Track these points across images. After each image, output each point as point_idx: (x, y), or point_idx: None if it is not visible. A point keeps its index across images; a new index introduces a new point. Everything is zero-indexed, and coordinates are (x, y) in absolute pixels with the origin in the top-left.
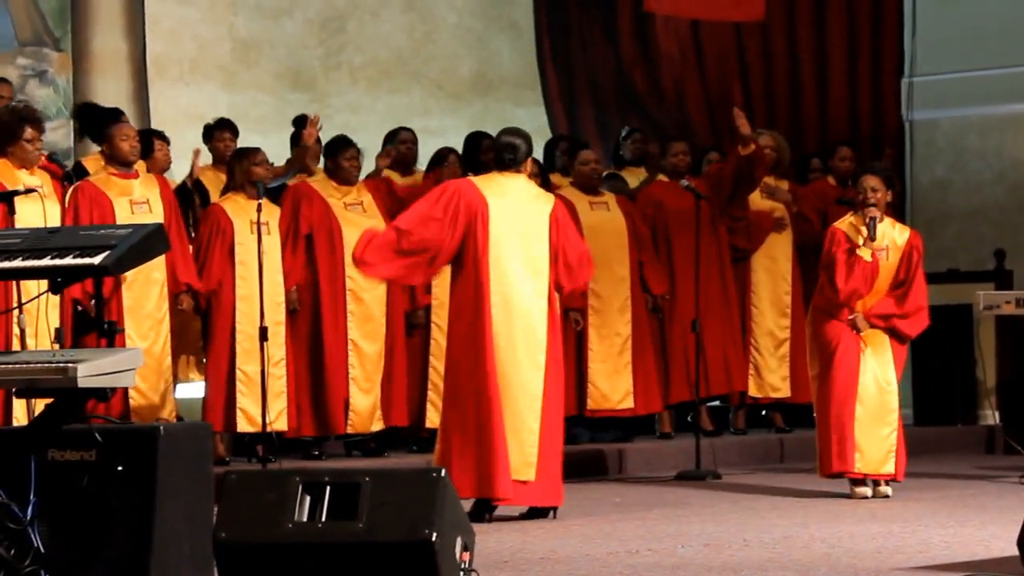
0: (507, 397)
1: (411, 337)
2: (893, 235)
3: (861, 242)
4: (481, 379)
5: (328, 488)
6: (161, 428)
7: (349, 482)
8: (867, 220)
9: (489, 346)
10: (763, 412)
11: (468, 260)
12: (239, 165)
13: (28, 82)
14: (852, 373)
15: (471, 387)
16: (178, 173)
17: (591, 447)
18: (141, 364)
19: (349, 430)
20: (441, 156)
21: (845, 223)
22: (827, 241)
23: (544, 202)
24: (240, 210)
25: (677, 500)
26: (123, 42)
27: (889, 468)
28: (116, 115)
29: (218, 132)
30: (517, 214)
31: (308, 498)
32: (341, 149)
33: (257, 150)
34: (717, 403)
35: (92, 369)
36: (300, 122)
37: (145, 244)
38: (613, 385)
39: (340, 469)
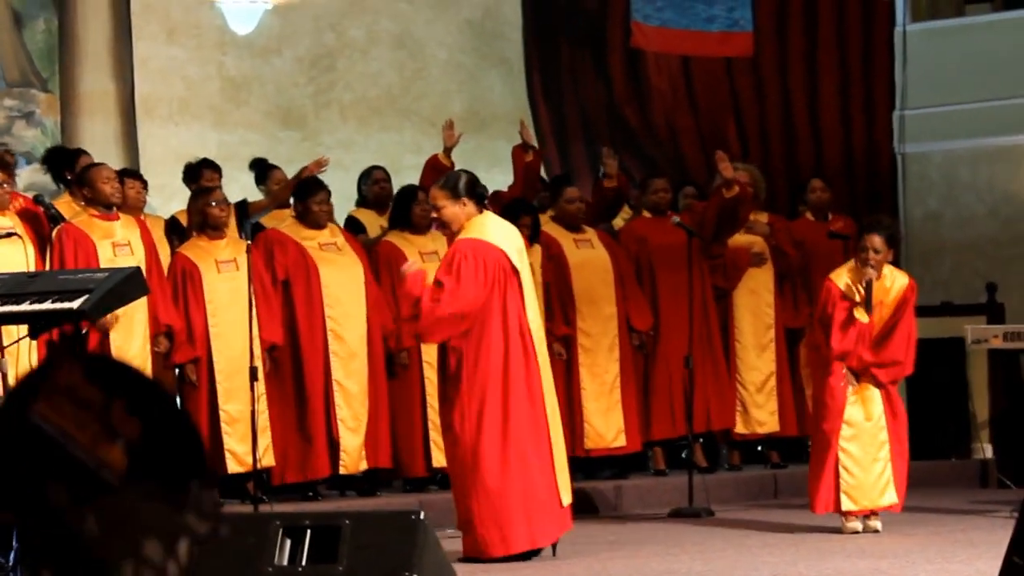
0: (553, 427)
1: (394, 379)
2: (889, 288)
3: (858, 299)
4: (535, 415)
5: (308, 531)
6: None
7: (329, 525)
8: (864, 281)
9: (538, 381)
10: (759, 448)
11: (498, 306)
12: (195, 206)
13: (15, 123)
14: (840, 411)
15: (516, 431)
16: (164, 213)
17: (586, 484)
18: None
19: (342, 471)
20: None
21: (842, 279)
22: (823, 295)
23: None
24: (203, 253)
25: (669, 538)
26: (111, 82)
27: (888, 499)
28: (80, 155)
29: (206, 171)
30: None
31: (288, 542)
32: (312, 193)
33: (212, 190)
34: (700, 440)
35: None
36: (256, 165)
37: (123, 288)
38: (607, 423)
39: (320, 512)
